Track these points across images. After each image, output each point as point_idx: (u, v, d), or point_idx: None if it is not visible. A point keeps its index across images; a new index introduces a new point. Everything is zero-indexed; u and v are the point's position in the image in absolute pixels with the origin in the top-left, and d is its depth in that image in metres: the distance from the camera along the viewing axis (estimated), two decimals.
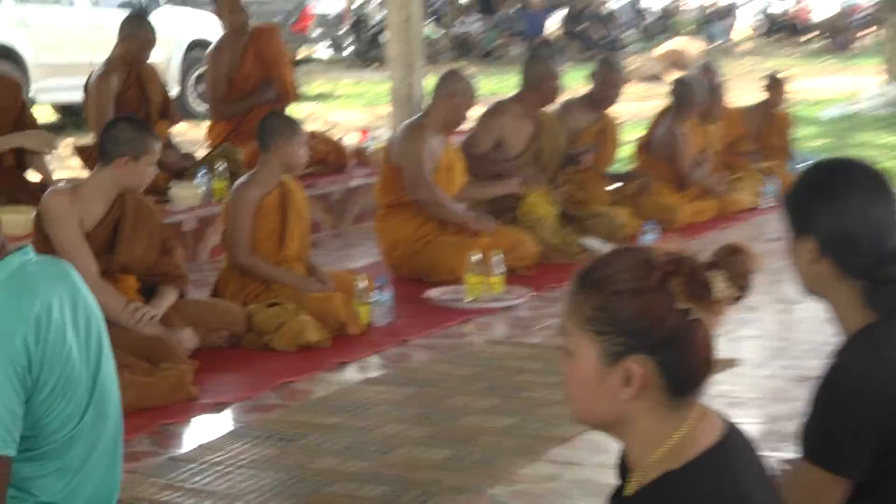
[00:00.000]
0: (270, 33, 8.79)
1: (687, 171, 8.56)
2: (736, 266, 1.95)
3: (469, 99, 6.92)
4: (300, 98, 8.96)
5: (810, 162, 2.85)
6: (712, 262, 1.95)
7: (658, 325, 1.90)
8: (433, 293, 6.43)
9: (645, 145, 8.80)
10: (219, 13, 8.71)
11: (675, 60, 22.97)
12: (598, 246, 7.34)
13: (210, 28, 14.78)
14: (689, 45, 24.08)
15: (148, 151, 5.24)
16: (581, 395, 1.95)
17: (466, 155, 7.28)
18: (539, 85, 7.50)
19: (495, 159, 7.45)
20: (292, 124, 5.99)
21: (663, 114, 8.76)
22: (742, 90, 13.93)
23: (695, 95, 8.55)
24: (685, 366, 1.91)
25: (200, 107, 13.95)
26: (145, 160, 5.24)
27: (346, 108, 16.39)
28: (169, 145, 8.02)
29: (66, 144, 10.67)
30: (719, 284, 1.93)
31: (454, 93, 6.85)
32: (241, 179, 6.06)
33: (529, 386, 5.04)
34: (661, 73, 21.29)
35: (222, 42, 8.66)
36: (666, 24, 29.01)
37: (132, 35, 7.70)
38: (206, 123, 8.93)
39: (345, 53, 20.01)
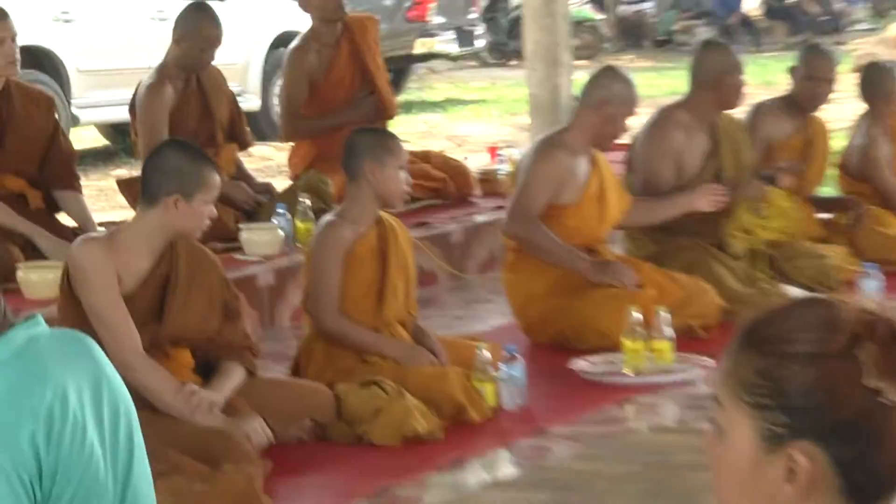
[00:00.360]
0: (369, 24, 8.85)
1: (890, 187, 8.37)
2: None
3: (627, 107, 6.89)
4: (398, 111, 9.02)
5: None
6: None
7: (837, 405, 1.85)
8: (580, 364, 6.40)
9: (845, 159, 8.66)
10: (304, 1, 8.74)
11: None
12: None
13: (301, 20, 15.02)
14: None
15: (204, 186, 5.30)
16: (730, 488, 1.92)
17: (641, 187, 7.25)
18: (715, 82, 7.42)
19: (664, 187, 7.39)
20: (386, 142, 6.04)
21: (863, 117, 8.65)
22: None
23: (886, 84, 8.39)
24: (870, 463, 1.86)
25: None
26: (200, 198, 5.30)
27: (476, 119, 16.48)
28: (239, 176, 8.14)
29: (116, 176, 10.89)
30: None
31: (606, 99, 6.82)
32: (327, 218, 6.12)
33: (705, 489, 4.95)
34: None
35: (306, 39, 8.76)
36: None
37: (191, 32, 7.83)
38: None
39: (476, 46, 20.11)
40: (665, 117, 7.53)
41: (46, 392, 2.91)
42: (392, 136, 6.22)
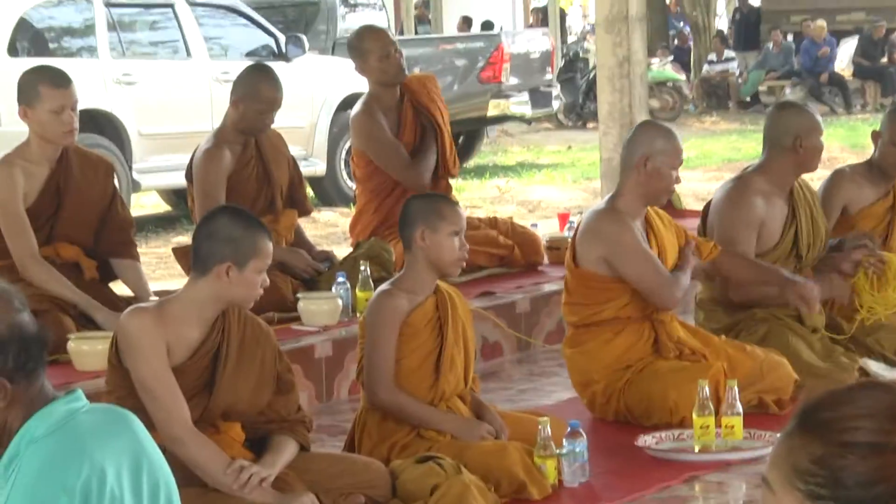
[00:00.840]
0: (427, 81, 8.89)
1: None
2: None
3: (672, 158, 6.77)
4: (460, 173, 9.03)
5: None
6: None
7: (893, 500, 1.85)
8: (646, 441, 6.35)
9: None
10: (362, 65, 8.77)
11: None
12: (885, 373, 7.17)
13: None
14: None
15: (256, 254, 5.31)
16: None
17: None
18: (792, 145, 7.38)
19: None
20: (439, 206, 6.02)
21: None
22: None
23: None
24: None
25: None
26: (253, 266, 5.30)
27: (550, 184, 16.50)
28: (299, 243, 8.18)
29: (176, 244, 10.97)
30: None
31: (648, 155, 6.77)
32: (383, 287, 6.12)
33: None
34: None
35: (368, 104, 8.78)
36: None
37: (250, 94, 7.85)
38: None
39: (552, 108, 20.15)
40: (744, 184, 7.42)
41: (83, 468, 2.96)
42: (446, 201, 6.21)
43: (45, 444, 3.04)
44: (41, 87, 7.02)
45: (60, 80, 7.10)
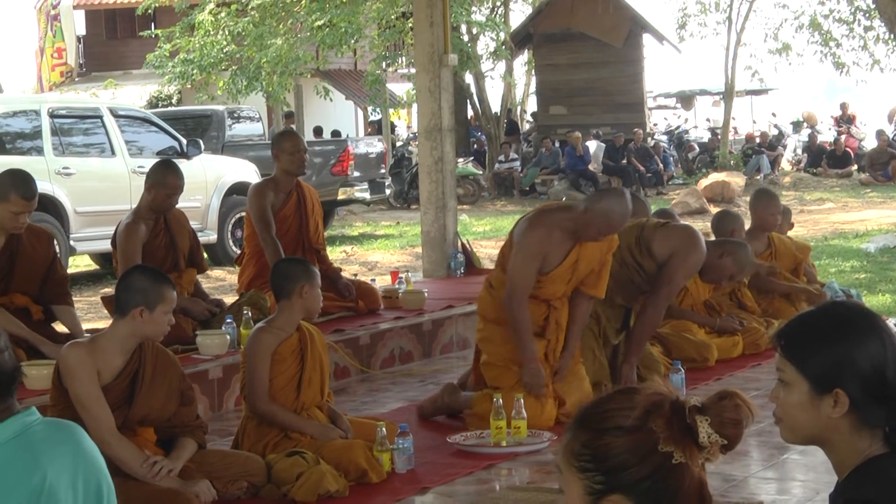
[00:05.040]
0: (315, 195, 8.73)
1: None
2: (723, 412, 1.92)
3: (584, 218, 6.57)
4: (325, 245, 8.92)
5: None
6: (699, 406, 1.93)
7: (638, 466, 1.89)
8: (456, 439, 6.34)
9: None
10: (276, 153, 8.47)
11: (719, 193, 23.00)
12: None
13: (249, 174, 15.03)
14: (734, 179, 24.11)
15: (163, 300, 5.24)
16: None
17: None
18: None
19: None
20: (308, 269, 5.96)
21: None
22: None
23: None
24: None
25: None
26: (160, 309, 5.23)
27: (384, 250, 16.49)
28: (197, 293, 8.07)
29: (103, 294, 10.75)
30: (704, 430, 1.90)
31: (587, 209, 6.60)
32: (259, 325, 6.05)
33: None
34: (703, 206, 21.32)
35: (267, 182, 8.60)
36: (710, 158, 29.10)
37: (159, 182, 7.74)
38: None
39: (385, 194, 20.19)
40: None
41: (35, 474, 2.85)
42: (307, 265, 6.06)
43: (5, 450, 2.92)
44: (13, 195, 6.78)
45: (29, 194, 6.83)
